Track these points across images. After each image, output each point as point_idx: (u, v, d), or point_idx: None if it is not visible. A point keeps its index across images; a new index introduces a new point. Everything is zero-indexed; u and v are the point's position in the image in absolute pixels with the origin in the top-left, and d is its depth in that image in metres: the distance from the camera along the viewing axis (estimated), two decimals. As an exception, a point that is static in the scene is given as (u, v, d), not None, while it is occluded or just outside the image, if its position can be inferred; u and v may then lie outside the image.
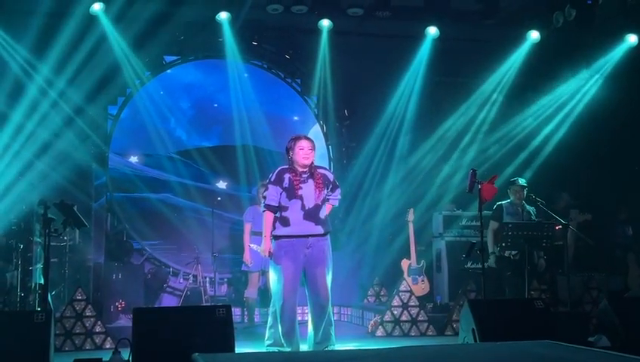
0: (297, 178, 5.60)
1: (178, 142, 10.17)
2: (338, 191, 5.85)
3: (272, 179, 5.66)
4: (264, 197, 5.69)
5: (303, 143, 5.66)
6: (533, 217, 7.74)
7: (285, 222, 5.58)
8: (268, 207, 5.62)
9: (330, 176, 5.82)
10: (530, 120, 10.10)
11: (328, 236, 5.70)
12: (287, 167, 5.71)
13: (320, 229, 5.59)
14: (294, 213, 5.55)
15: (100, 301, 8.18)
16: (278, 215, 5.63)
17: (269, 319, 5.70)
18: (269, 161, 10.10)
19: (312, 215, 5.57)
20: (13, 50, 8.47)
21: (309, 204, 5.56)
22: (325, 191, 5.67)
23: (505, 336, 4.52)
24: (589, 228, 8.53)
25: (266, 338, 5.69)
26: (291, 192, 5.56)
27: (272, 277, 5.66)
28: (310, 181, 5.62)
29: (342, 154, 10.44)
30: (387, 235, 9.78)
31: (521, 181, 7.79)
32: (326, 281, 5.59)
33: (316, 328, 5.56)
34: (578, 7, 8.51)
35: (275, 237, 5.62)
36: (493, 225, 7.75)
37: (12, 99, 8.40)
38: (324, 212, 5.68)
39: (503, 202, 7.77)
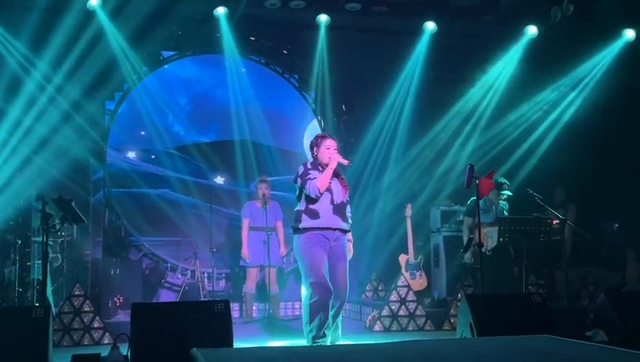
0: None
1: (176, 138, 10.15)
2: (349, 207, 5.96)
3: (309, 166, 5.73)
4: (308, 179, 5.60)
5: (329, 142, 5.81)
6: (506, 213, 7.88)
7: (314, 214, 5.63)
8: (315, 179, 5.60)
9: (346, 180, 5.95)
10: (528, 114, 10.10)
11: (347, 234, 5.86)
12: (312, 161, 5.81)
13: (346, 226, 5.76)
14: (324, 206, 5.64)
15: (98, 296, 8.18)
16: (303, 208, 5.68)
17: (305, 315, 5.55)
18: (266, 156, 10.11)
19: (340, 210, 5.70)
20: (10, 44, 8.44)
21: (338, 199, 5.70)
22: (348, 193, 5.85)
23: (502, 331, 4.53)
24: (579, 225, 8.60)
25: (309, 331, 5.51)
26: None
27: (306, 268, 5.54)
28: (336, 180, 5.76)
29: (339, 150, 10.40)
30: (385, 230, 9.79)
31: (507, 191, 7.92)
32: (346, 275, 5.71)
33: (333, 319, 5.61)
34: (576, 2, 8.51)
35: (303, 230, 5.64)
36: (467, 221, 7.87)
37: (9, 94, 8.37)
38: (347, 213, 5.84)
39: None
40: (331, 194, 5.67)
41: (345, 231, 5.76)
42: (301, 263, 5.66)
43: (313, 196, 5.62)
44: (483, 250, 7.56)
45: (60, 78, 8.49)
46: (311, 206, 5.65)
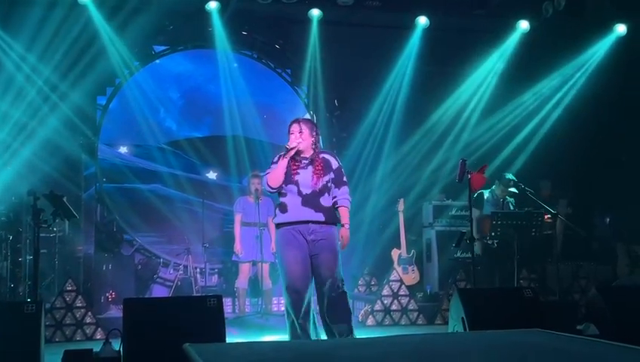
0: (296, 163, 5.33)
1: (168, 133, 10.14)
2: (345, 189, 5.40)
3: (274, 160, 5.40)
4: (265, 174, 5.37)
5: (292, 127, 5.35)
6: (512, 208, 7.88)
7: (284, 208, 5.31)
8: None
9: (334, 163, 5.42)
10: (520, 109, 10.13)
11: (334, 226, 5.33)
12: (281, 154, 5.41)
13: (320, 216, 5.24)
14: (292, 199, 5.27)
15: (90, 292, 8.16)
16: (278, 201, 5.40)
17: (285, 315, 5.37)
18: (259, 151, 10.10)
19: (310, 201, 5.24)
20: (0, 39, 8.39)
21: (306, 190, 5.25)
22: (326, 178, 5.31)
23: (494, 325, 4.54)
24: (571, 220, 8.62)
25: (288, 333, 5.34)
26: (288, 177, 5.28)
27: (280, 270, 5.35)
28: (310, 167, 5.31)
29: (332, 145, 10.42)
30: (378, 225, 9.80)
31: (513, 189, 7.86)
32: (333, 267, 5.21)
33: (327, 316, 5.24)
34: (567, -3, 8.54)
35: (278, 226, 5.35)
36: (474, 212, 7.86)
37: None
38: (328, 200, 5.32)
39: (485, 190, 7.86)
40: (297, 185, 5.25)
41: (324, 223, 5.25)
42: (278, 263, 5.42)
43: (268, 191, 5.36)
44: (490, 242, 7.60)
45: (52, 73, 8.46)
46: (281, 199, 5.33)
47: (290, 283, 5.20)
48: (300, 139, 5.30)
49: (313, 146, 5.39)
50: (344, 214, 5.39)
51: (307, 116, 10.36)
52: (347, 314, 5.29)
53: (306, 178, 5.29)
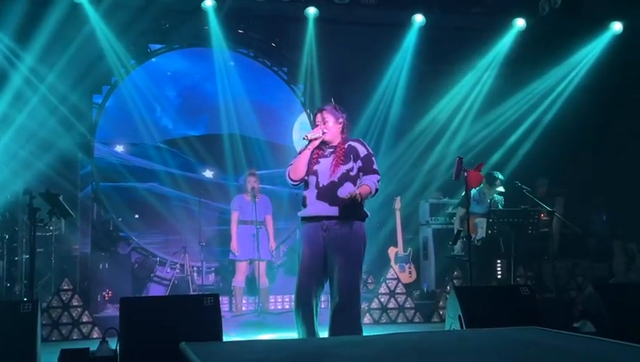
0: (319, 152, 5.00)
1: (164, 131, 10.11)
2: (376, 177, 4.92)
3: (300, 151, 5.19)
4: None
5: (316, 118, 5.08)
6: (500, 206, 7.92)
7: (304, 201, 4.98)
8: None
9: (362, 150, 4.98)
10: (517, 107, 10.13)
11: (356, 223, 4.89)
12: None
13: (335, 211, 4.82)
14: (310, 191, 4.94)
15: (86, 291, 8.14)
16: (302, 193, 5.07)
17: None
18: (255, 149, 10.09)
19: (325, 194, 4.85)
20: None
21: (323, 181, 4.88)
22: (348, 166, 4.89)
23: (491, 323, 4.55)
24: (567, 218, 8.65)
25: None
26: (309, 167, 4.96)
27: None
28: (331, 156, 4.95)
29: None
30: (374, 223, 9.78)
31: (500, 188, 7.94)
32: (347, 271, 4.82)
33: (332, 323, 4.89)
34: (564, -5, 8.55)
35: (301, 220, 5.06)
36: (460, 211, 7.92)
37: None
38: (347, 190, 4.82)
39: (472, 190, 7.87)
40: (316, 176, 4.91)
41: (339, 218, 4.83)
42: None
43: (290, 185, 5.05)
44: (472, 240, 7.62)
45: (47, 71, 8.43)
46: (304, 192, 5.00)
47: (301, 277, 4.95)
48: (325, 129, 4.99)
49: (341, 134, 5.07)
50: (364, 191, 4.80)
51: (304, 115, 10.35)
52: (349, 324, 4.84)
53: (324, 167, 4.93)
